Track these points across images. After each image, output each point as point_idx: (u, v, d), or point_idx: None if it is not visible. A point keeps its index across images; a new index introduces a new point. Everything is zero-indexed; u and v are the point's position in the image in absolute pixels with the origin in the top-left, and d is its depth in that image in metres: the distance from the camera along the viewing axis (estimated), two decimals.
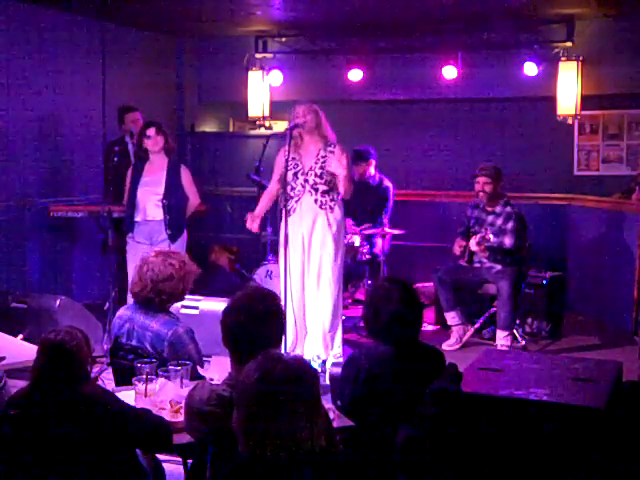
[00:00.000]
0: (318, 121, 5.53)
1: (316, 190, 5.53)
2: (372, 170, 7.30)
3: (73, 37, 7.38)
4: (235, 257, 8.14)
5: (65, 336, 2.85)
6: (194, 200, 6.12)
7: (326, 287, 5.57)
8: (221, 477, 2.51)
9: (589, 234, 7.49)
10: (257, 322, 2.79)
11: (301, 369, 2.20)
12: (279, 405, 2.11)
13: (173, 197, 5.93)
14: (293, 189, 5.54)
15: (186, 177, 6.06)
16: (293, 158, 5.53)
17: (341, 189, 5.52)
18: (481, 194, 6.35)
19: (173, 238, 5.89)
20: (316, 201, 5.54)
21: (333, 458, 2.19)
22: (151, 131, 5.93)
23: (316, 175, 5.52)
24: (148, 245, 5.81)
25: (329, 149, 5.53)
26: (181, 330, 3.68)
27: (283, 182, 5.47)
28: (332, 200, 5.57)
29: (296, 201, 5.55)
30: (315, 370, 2.27)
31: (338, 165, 5.43)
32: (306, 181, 5.53)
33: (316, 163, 5.53)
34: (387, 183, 7.33)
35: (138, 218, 5.94)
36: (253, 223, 5.76)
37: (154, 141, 5.92)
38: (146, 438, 2.94)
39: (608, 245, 7.17)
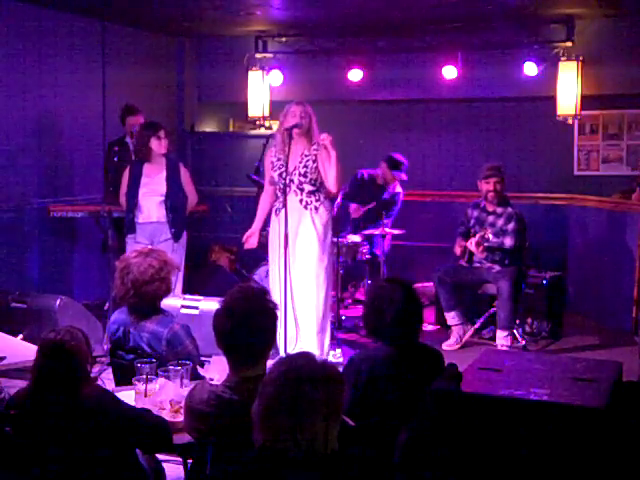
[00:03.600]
0: (311, 124, 5.53)
1: (301, 190, 5.52)
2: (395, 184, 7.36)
3: (73, 37, 7.38)
4: (235, 257, 8.14)
5: (65, 336, 2.85)
6: (193, 198, 6.14)
7: (313, 288, 5.54)
8: (223, 474, 2.52)
9: (589, 234, 7.49)
10: (248, 324, 2.77)
11: (329, 373, 2.20)
12: (299, 403, 2.11)
13: (175, 196, 5.95)
14: (279, 189, 5.53)
15: (185, 175, 6.09)
16: (279, 159, 5.53)
17: (329, 179, 5.46)
18: (491, 194, 6.33)
19: (177, 236, 5.91)
20: (301, 201, 5.52)
21: (339, 461, 2.18)
22: (162, 133, 5.93)
23: (300, 174, 5.51)
24: (148, 245, 5.82)
25: (313, 148, 5.53)
26: (177, 327, 3.67)
27: (283, 184, 5.46)
28: (317, 200, 5.54)
29: (282, 201, 5.54)
30: (342, 377, 2.26)
31: (326, 156, 5.41)
32: (291, 181, 5.52)
33: (300, 162, 5.52)
34: (399, 189, 7.37)
35: (140, 219, 5.94)
36: (251, 240, 5.75)
37: (164, 143, 5.93)
38: (146, 438, 2.94)
39: (608, 245, 7.17)
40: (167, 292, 3.83)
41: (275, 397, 2.14)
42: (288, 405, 2.12)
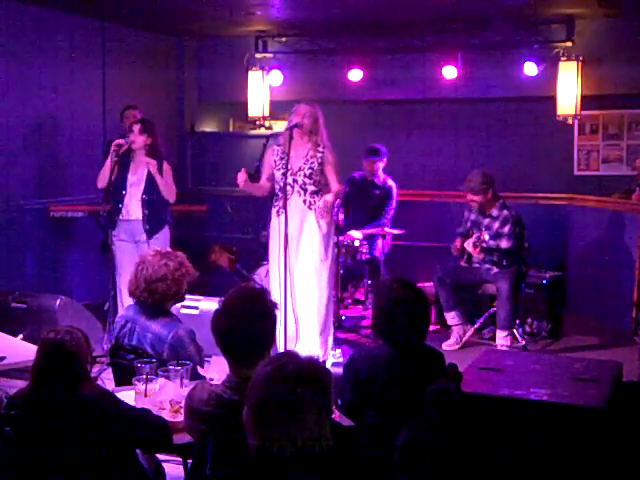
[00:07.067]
0: (315, 127, 5.51)
1: (305, 190, 5.53)
2: (381, 169, 7.32)
3: (73, 37, 7.38)
4: (235, 257, 8.13)
5: (65, 336, 2.85)
6: (170, 197, 6.02)
7: (316, 288, 5.54)
8: (223, 475, 2.52)
9: (589, 234, 7.49)
10: (247, 325, 2.76)
11: (315, 369, 2.20)
12: (288, 402, 2.11)
13: (154, 193, 5.92)
14: (280, 189, 5.52)
15: (167, 173, 5.99)
16: (282, 158, 5.53)
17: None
18: (473, 203, 6.37)
19: (150, 233, 5.88)
20: (305, 201, 5.53)
21: (336, 458, 2.19)
22: (135, 127, 5.94)
23: (305, 175, 5.51)
24: (132, 243, 5.90)
25: (319, 149, 5.53)
26: (182, 332, 3.67)
27: (284, 184, 5.46)
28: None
29: (282, 201, 5.52)
30: (329, 372, 2.26)
31: (322, 205, 5.45)
32: (295, 181, 5.52)
33: (305, 163, 5.52)
34: (390, 182, 7.35)
35: (121, 216, 5.96)
36: (242, 174, 5.58)
37: (134, 138, 5.91)
38: (146, 438, 2.94)
39: (608, 245, 7.17)
40: (177, 295, 3.84)
41: (264, 398, 2.15)
42: (278, 404, 2.12)
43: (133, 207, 5.94)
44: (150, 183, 5.92)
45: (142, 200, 5.90)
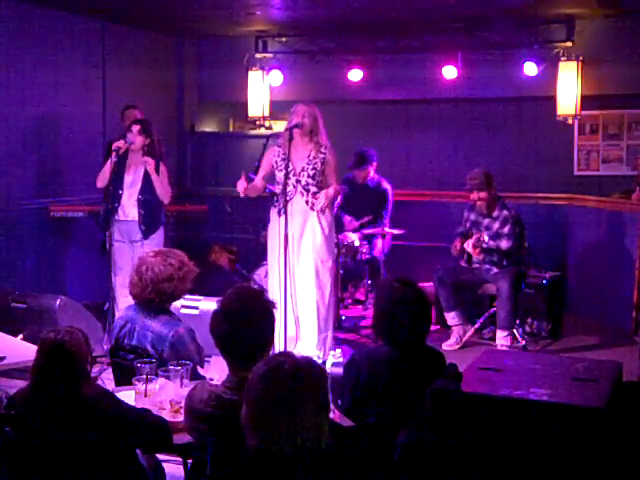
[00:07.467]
0: (315, 127, 5.51)
1: (307, 191, 5.53)
2: (372, 172, 7.32)
3: (73, 37, 7.38)
4: (235, 257, 8.14)
5: (65, 336, 2.84)
6: (165, 198, 6.06)
7: (318, 288, 5.54)
8: (223, 475, 2.52)
9: (589, 234, 7.49)
10: (245, 326, 2.76)
11: (311, 368, 2.21)
12: (285, 399, 2.12)
13: (149, 193, 5.94)
14: (281, 190, 5.52)
15: (163, 174, 6.02)
16: (283, 159, 5.53)
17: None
18: (479, 203, 6.36)
19: (146, 234, 5.92)
20: (307, 202, 5.53)
21: (337, 456, 2.20)
22: (135, 127, 5.95)
23: (308, 176, 5.52)
24: (127, 243, 5.92)
25: (322, 150, 5.53)
26: (182, 330, 3.67)
27: (283, 186, 5.46)
28: None
29: (287, 201, 5.53)
30: (325, 370, 2.27)
31: (323, 197, 5.47)
32: (298, 182, 5.52)
33: (308, 164, 5.52)
34: (386, 185, 7.34)
35: (117, 217, 5.97)
36: (241, 182, 5.52)
37: (132, 138, 5.91)
38: (146, 438, 2.94)
39: (608, 245, 7.17)
40: (183, 293, 3.85)
41: (262, 397, 2.15)
42: (276, 403, 2.13)
43: (129, 208, 5.96)
44: (146, 183, 5.94)
45: (138, 200, 5.92)
